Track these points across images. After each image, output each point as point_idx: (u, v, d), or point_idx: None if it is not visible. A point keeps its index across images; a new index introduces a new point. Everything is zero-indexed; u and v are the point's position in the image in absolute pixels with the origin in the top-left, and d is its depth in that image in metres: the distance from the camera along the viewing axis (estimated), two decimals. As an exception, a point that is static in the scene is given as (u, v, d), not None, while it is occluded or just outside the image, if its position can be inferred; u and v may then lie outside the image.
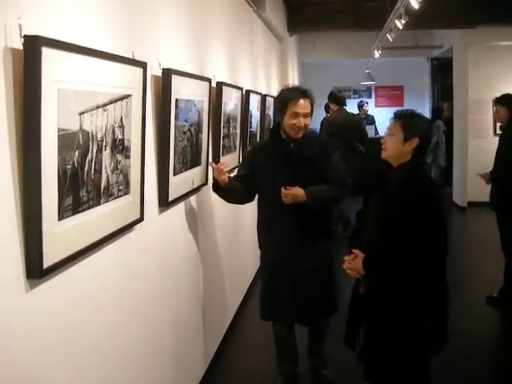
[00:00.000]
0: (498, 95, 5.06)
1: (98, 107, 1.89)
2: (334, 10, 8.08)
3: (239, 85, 4.49)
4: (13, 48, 1.49)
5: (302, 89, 3.20)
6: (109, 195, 2.04)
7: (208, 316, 3.57)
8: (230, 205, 3.59)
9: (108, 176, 2.02)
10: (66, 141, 1.69)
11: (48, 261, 1.62)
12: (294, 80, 9.62)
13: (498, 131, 5.76)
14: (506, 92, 5.01)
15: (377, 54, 9.18)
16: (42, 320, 1.66)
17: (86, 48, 1.78)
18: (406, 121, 2.45)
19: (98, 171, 1.94)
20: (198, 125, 3.23)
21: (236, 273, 4.51)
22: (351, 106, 10.35)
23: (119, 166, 2.12)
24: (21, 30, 1.50)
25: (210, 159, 3.47)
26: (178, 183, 2.88)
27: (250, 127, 4.91)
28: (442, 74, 11.25)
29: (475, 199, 8.30)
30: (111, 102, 1.99)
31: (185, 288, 3.16)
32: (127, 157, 2.19)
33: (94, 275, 2.00)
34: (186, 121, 2.99)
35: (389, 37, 7.30)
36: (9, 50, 1.48)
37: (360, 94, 12.85)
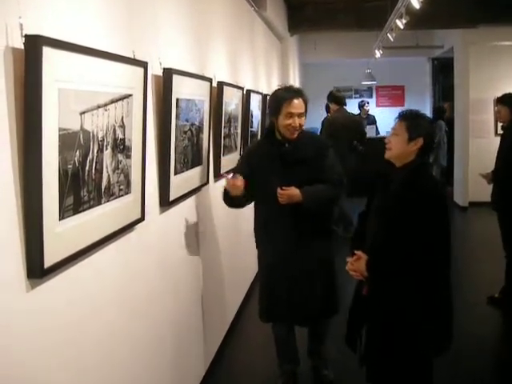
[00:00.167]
0: (499, 95, 5.05)
1: (99, 107, 1.89)
2: (335, 10, 8.08)
3: (240, 84, 4.49)
4: (14, 47, 1.49)
5: (295, 88, 3.19)
6: (110, 195, 2.04)
7: (208, 316, 3.57)
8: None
9: (109, 176, 2.02)
10: (67, 140, 1.69)
11: (49, 260, 1.62)
12: (295, 80, 9.62)
13: (499, 131, 5.75)
14: (507, 92, 5.00)
15: (378, 53, 9.18)
16: (43, 320, 1.65)
17: (86, 48, 1.78)
18: (411, 121, 2.45)
19: (99, 171, 1.94)
20: (199, 124, 3.23)
21: (236, 273, 4.51)
22: (352, 106, 10.34)
23: (120, 166, 2.12)
24: (22, 29, 1.50)
25: (226, 172, 3.40)
26: (179, 183, 2.88)
27: (251, 127, 4.91)
28: (443, 73, 11.24)
29: (476, 199, 8.30)
30: (112, 102, 1.99)
31: (185, 288, 3.16)
32: (128, 156, 2.19)
33: (95, 275, 2.00)
34: (187, 120, 2.99)
35: (390, 36, 7.29)
36: (10, 49, 1.48)
37: (361, 93, 12.84)
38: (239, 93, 4.40)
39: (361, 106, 10.79)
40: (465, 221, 8.22)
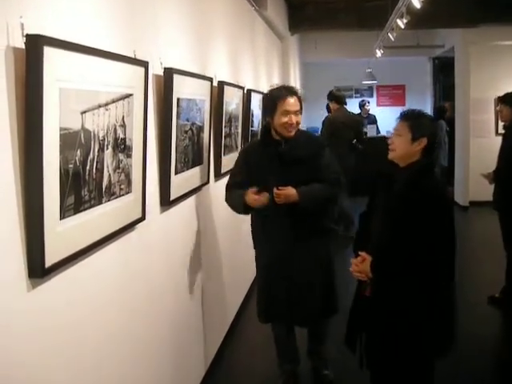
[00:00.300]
0: (500, 94, 5.05)
1: (100, 106, 1.89)
2: (336, 9, 8.07)
3: (241, 84, 4.49)
4: (15, 47, 1.49)
5: (288, 87, 3.19)
6: (110, 194, 2.04)
7: (208, 316, 3.57)
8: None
9: (110, 175, 2.02)
10: (68, 140, 1.69)
11: (50, 260, 1.62)
12: (295, 79, 9.62)
13: (500, 130, 5.75)
14: (508, 91, 4.99)
15: (378, 53, 9.17)
16: (44, 319, 1.65)
17: (87, 47, 1.78)
18: (414, 121, 2.43)
19: (100, 170, 1.94)
20: (200, 124, 3.23)
21: (237, 273, 4.50)
22: (353, 106, 10.34)
23: (121, 165, 2.12)
24: (23, 29, 1.50)
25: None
26: (180, 182, 2.88)
27: (252, 126, 4.91)
28: (444, 73, 11.24)
29: (477, 199, 8.30)
30: (113, 101, 1.99)
31: (185, 288, 3.16)
32: (129, 156, 2.19)
33: (95, 275, 2.00)
34: (188, 120, 2.99)
35: (390, 36, 7.29)
36: (11, 49, 1.48)
37: (362, 93, 12.83)
38: (240, 92, 4.40)
39: (361, 105, 10.80)
40: (465, 220, 8.21)
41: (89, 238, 1.88)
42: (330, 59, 11.85)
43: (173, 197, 2.79)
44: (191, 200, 3.26)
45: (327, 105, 7.86)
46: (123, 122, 2.10)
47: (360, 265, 2.43)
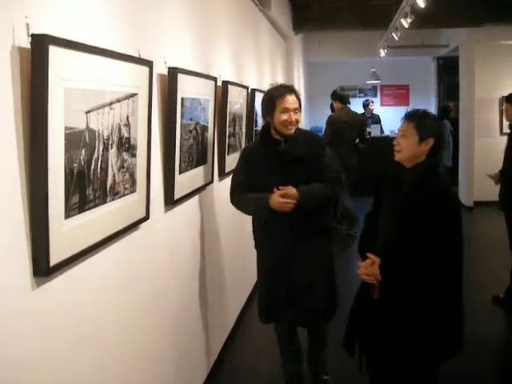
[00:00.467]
0: (505, 94, 5.03)
1: (105, 106, 1.89)
2: (340, 9, 8.07)
3: (245, 83, 4.49)
4: (20, 47, 1.50)
5: (286, 85, 3.19)
6: (115, 193, 2.05)
7: (211, 317, 3.57)
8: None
9: (114, 174, 2.03)
10: (73, 139, 1.69)
11: (54, 259, 1.63)
12: (299, 79, 9.62)
13: (505, 130, 5.74)
14: (512, 91, 4.99)
15: (382, 52, 9.16)
16: (48, 318, 1.66)
17: (92, 47, 1.79)
18: (420, 121, 2.40)
19: (105, 170, 1.95)
20: (204, 123, 3.23)
21: (240, 273, 4.50)
22: (357, 105, 10.33)
23: (125, 165, 2.12)
24: (28, 28, 1.51)
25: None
26: (184, 181, 2.89)
27: (256, 126, 4.91)
28: (448, 73, 11.20)
29: (481, 199, 8.28)
30: (117, 101, 2.00)
31: (189, 288, 3.16)
32: (133, 155, 2.20)
33: (99, 274, 2.00)
34: (192, 119, 2.99)
35: (394, 36, 7.27)
36: (16, 48, 1.49)
37: (365, 92, 12.81)
38: (244, 92, 4.40)
39: (365, 105, 10.79)
40: (470, 221, 8.19)
41: (93, 237, 1.88)
42: (333, 59, 11.83)
43: (177, 196, 2.79)
44: (195, 199, 3.26)
45: (331, 104, 7.86)
46: (128, 121, 2.11)
47: (369, 268, 2.39)
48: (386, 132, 10.44)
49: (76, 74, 1.70)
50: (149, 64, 2.29)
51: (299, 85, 9.44)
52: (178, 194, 2.81)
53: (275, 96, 3.06)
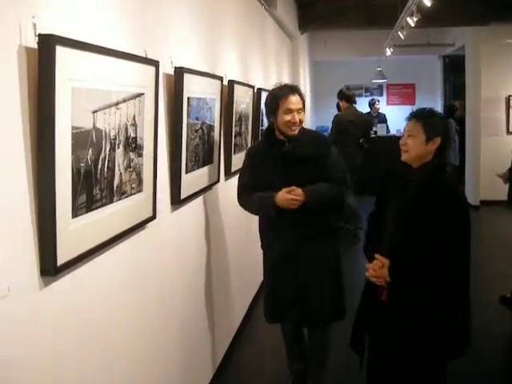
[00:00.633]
0: (512, 93, 5.02)
1: (111, 106, 1.89)
2: (345, 8, 8.05)
3: (251, 83, 4.49)
4: (27, 47, 1.50)
5: (290, 85, 3.18)
6: (121, 193, 2.05)
7: (217, 317, 3.57)
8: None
9: (121, 174, 2.03)
10: (80, 139, 1.70)
11: (62, 258, 1.63)
12: (305, 78, 9.61)
13: (511, 129, 5.72)
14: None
15: (388, 51, 9.13)
16: (55, 318, 1.66)
17: (99, 47, 1.79)
18: (427, 120, 2.38)
19: (111, 169, 1.95)
20: (210, 123, 3.23)
21: (246, 272, 4.50)
22: (363, 104, 10.31)
23: (132, 164, 2.13)
24: (35, 28, 1.51)
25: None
26: (190, 181, 2.89)
27: (262, 125, 4.91)
28: (454, 72, 11.17)
29: (488, 198, 8.25)
30: (124, 101, 2.00)
31: (195, 287, 3.16)
32: (140, 155, 2.20)
33: (106, 273, 2.01)
34: (198, 119, 2.99)
35: (400, 34, 7.26)
36: (23, 48, 1.49)
37: (371, 92, 12.78)
38: (250, 91, 4.40)
39: (371, 104, 10.77)
40: (476, 220, 8.14)
41: (100, 236, 1.89)
42: (339, 58, 11.82)
43: (183, 196, 2.79)
44: (201, 199, 3.26)
45: (337, 103, 7.85)
46: (134, 121, 2.11)
47: (378, 270, 2.37)
48: (392, 131, 10.42)
49: (83, 73, 1.70)
50: (155, 64, 2.29)
51: (305, 84, 9.44)
52: (185, 193, 2.81)
53: (278, 96, 3.06)
